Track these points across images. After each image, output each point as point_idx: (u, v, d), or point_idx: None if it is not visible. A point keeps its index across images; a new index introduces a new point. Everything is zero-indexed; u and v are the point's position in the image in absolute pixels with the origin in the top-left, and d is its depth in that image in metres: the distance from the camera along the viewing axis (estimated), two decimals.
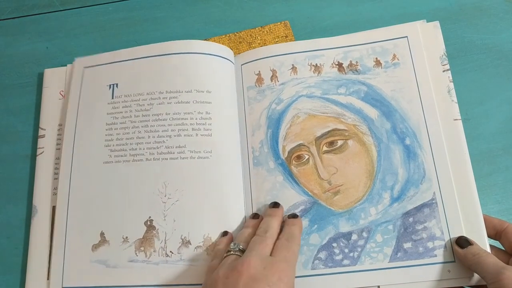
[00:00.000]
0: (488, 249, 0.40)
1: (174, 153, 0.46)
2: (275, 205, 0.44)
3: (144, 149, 0.46)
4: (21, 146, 0.52)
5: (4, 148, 0.52)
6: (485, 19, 0.53)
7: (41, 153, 0.50)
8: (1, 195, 0.50)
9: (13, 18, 0.58)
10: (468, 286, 0.41)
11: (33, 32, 0.57)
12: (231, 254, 0.39)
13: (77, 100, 0.50)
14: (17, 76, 0.55)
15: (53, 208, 0.47)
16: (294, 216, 0.43)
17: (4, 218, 0.49)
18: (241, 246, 0.40)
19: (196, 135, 0.46)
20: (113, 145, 0.47)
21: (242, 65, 0.51)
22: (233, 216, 0.45)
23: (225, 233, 0.44)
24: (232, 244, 0.40)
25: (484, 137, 0.48)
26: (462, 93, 0.45)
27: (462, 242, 0.40)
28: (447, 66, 0.47)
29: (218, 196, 0.45)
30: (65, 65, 0.53)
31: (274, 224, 0.42)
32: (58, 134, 0.50)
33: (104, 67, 0.51)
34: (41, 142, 0.51)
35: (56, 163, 0.49)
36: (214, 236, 0.44)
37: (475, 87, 0.50)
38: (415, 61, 0.47)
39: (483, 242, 0.41)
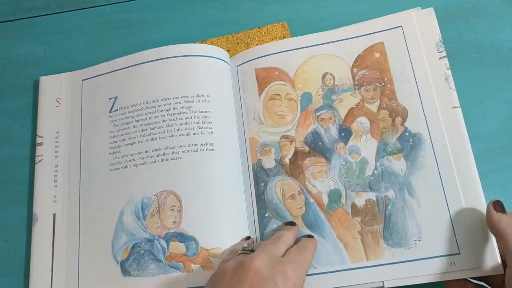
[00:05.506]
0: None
1: (178, 152, 0.46)
2: (291, 223, 0.44)
3: (151, 152, 0.46)
4: (19, 149, 0.52)
5: (3, 150, 0.52)
6: (482, 18, 0.53)
7: (39, 161, 0.50)
8: (0, 197, 0.50)
9: (10, 20, 0.58)
10: (472, 278, 0.40)
11: (30, 34, 0.57)
12: (243, 253, 0.39)
13: (79, 113, 0.50)
14: (15, 79, 0.55)
15: (54, 216, 0.47)
16: (310, 236, 0.43)
17: (3, 220, 0.49)
18: (254, 248, 0.39)
19: (199, 133, 0.46)
20: (119, 155, 0.47)
21: (237, 66, 0.50)
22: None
23: (247, 238, 0.44)
24: (246, 244, 0.40)
25: (482, 136, 0.48)
26: (460, 93, 0.45)
27: (499, 206, 0.39)
28: (444, 53, 0.46)
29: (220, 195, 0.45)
30: (64, 67, 0.53)
31: (288, 234, 0.41)
32: (56, 142, 0.50)
33: (103, 77, 0.51)
34: (39, 150, 0.50)
35: (55, 171, 0.49)
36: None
37: (473, 86, 0.50)
38: (410, 50, 0.47)
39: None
